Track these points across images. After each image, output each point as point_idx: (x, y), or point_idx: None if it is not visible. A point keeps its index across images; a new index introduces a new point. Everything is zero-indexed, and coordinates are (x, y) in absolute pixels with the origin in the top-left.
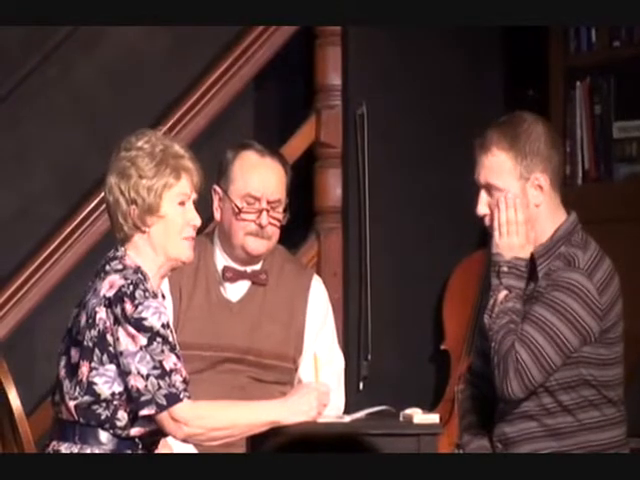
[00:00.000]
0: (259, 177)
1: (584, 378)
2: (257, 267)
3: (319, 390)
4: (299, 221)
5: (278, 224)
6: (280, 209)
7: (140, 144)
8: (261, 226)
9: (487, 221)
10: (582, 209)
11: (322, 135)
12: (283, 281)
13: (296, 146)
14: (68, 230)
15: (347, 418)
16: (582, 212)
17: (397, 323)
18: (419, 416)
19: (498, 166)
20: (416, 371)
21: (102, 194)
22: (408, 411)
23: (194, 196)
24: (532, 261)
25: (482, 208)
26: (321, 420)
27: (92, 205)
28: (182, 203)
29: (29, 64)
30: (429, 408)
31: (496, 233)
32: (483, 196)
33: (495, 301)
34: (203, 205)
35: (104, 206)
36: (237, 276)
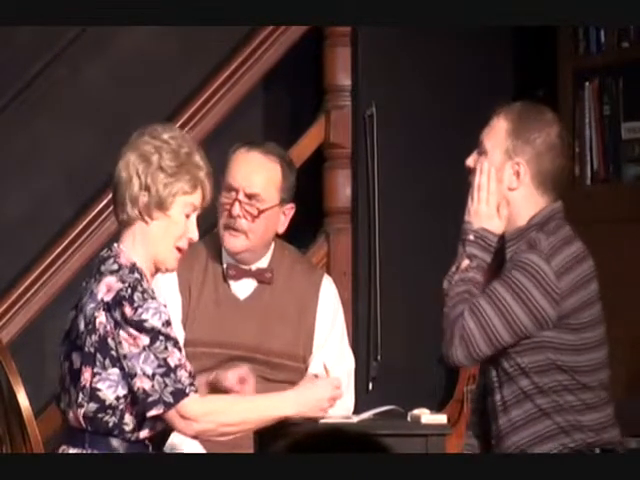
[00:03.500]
0: (239, 168)
1: (555, 363)
2: (262, 265)
3: (331, 384)
4: (309, 222)
5: (250, 218)
6: (260, 205)
7: (166, 137)
8: (231, 215)
9: (470, 179)
10: (591, 209)
11: (331, 136)
12: (293, 280)
13: (305, 146)
14: (77, 231)
15: (355, 418)
16: (591, 212)
17: (406, 323)
18: (427, 416)
19: (495, 129)
20: (425, 371)
21: (110, 195)
22: (416, 411)
23: (198, 212)
24: (503, 243)
25: (469, 160)
26: (329, 420)
27: (101, 206)
28: (188, 215)
29: (38, 64)
30: (438, 409)
31: (469, 197)
32: (475, 152)
33: (457, 268)
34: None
35: (113, 207)
36: (240, 274)
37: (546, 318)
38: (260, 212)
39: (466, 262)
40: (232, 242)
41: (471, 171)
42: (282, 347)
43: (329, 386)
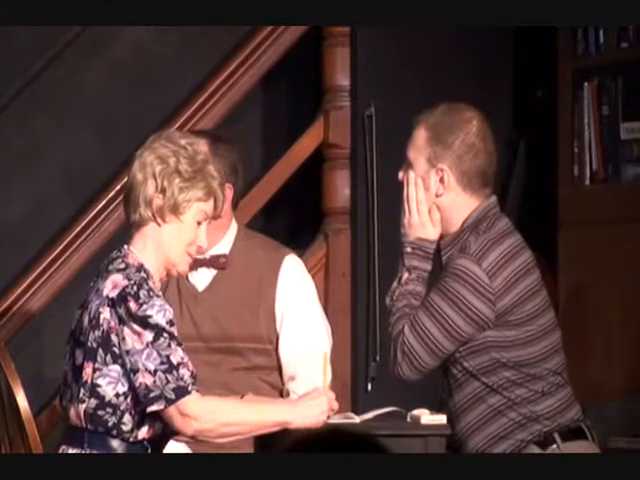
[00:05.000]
0: None
1: (500, 361)
2: (217, 251)
3: (328, 395)
4: (308, 222)
5: None
6: None
7: (183, 142)
8: None
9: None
10: (590, 210)
11: (330, 136)
12: (253, 264)
13: (304, 147)
14: (77, 231)
15: (356, 419)
16: (590, 213)
17: None
18: (427, 417)
19: (415, 139)
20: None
21: (110, 195)
22: (416, 412)
23: (208, 221)
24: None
25: (399, 174)
26: (331, 420)
27: (101, 206)
28: (199, 222)
29: (38, 64)
30: (437, 409)
31: (402, 210)
32: (404, 166)
33: (398, 283)
34: None
35: (113, 207)
36: (195, 264)
37: (484, 320)
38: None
39: (406, 275)
40: None
41: (402, 185)
42: (243, 331)
43: (326, 397)
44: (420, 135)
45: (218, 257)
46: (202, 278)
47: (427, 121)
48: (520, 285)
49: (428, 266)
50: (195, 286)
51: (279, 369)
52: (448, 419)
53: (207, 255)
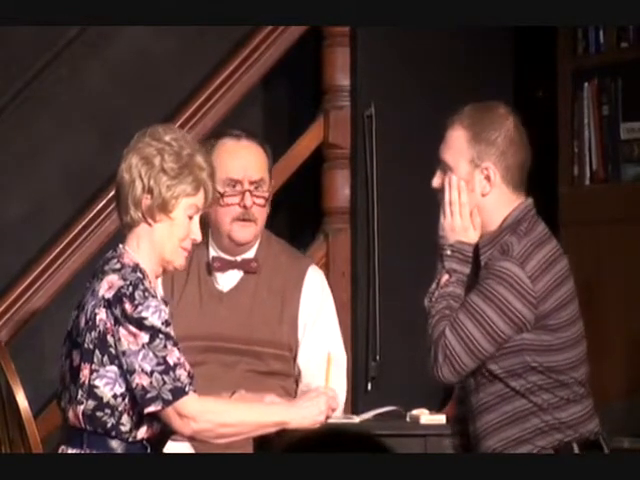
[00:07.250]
0: (238, 160)
1: (530, 365)
2: (248, 255)
3: (328, 395)
4: (308, 222)
5: (263, 203)
6: (264, 188)
7: (168, 139)
8: (245, 207)
9: (440, 196)
10: (590, 210)
11: (330, 136)
12: (278, 270)
13: (304, 147)
14: (77, 230)
15: (357, 418)
16: (590, 213)
17: (405, 323)
18: (426, 417)
19: (453, 142)
20: (424, 371)
21: (110, 194)
22: (415, 412)
23: (200, 212)
24: (478, 250)
25: (435, 181)
26: (331, 420)
27: (101, 205)
28: (191, 217)
29: (39, 64)
30: (437, 409)
31: (441, 214)
32: (439, 171)
33: (437, 285)
34: None
35: (113, 206)
36: (226, 266)
37: (524, 322)
38: (269, 196)
39: (445, 277)
40: (243, 232)
41: (439, 191)
42: (265, 336)
43: (325, 397)
44: (458, 136)
45: (250, 261)
46: (228, 279)
47: (462, 121)
48: (560, 290)
49: (467, 269)
50: (219, 287)
51: (294, 376)
52: (463, 417)
53: (239, 258)
